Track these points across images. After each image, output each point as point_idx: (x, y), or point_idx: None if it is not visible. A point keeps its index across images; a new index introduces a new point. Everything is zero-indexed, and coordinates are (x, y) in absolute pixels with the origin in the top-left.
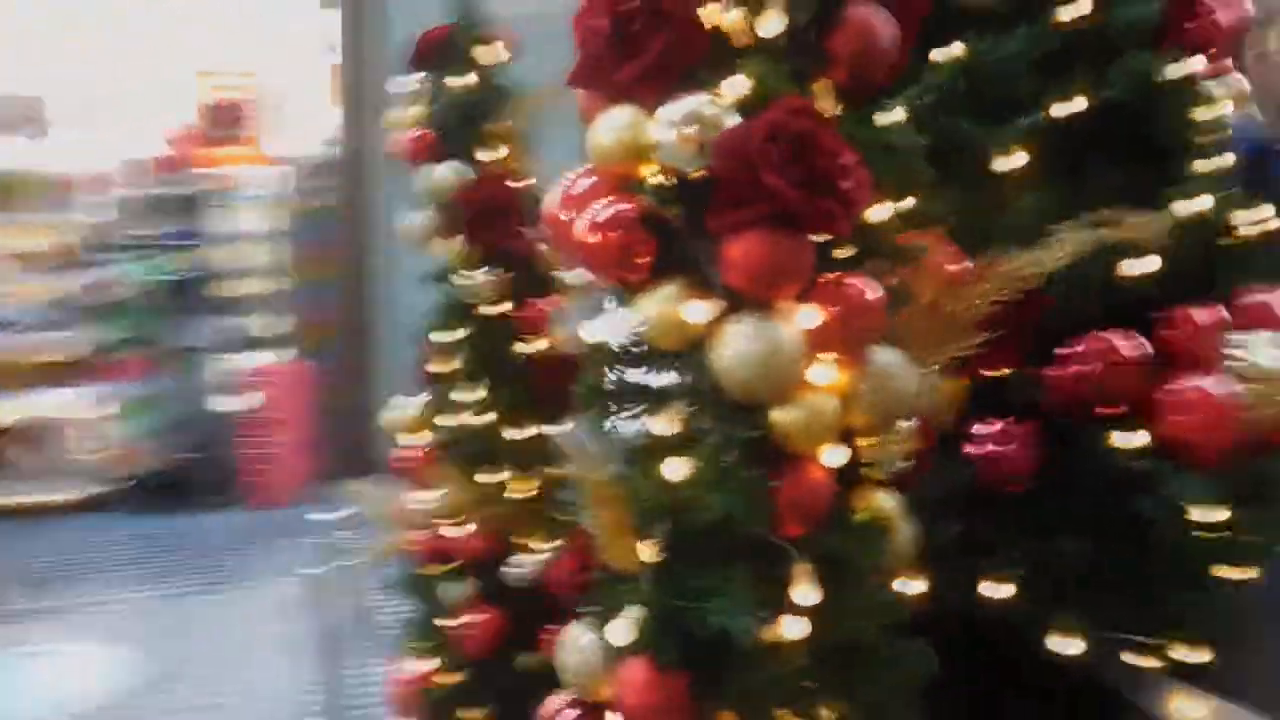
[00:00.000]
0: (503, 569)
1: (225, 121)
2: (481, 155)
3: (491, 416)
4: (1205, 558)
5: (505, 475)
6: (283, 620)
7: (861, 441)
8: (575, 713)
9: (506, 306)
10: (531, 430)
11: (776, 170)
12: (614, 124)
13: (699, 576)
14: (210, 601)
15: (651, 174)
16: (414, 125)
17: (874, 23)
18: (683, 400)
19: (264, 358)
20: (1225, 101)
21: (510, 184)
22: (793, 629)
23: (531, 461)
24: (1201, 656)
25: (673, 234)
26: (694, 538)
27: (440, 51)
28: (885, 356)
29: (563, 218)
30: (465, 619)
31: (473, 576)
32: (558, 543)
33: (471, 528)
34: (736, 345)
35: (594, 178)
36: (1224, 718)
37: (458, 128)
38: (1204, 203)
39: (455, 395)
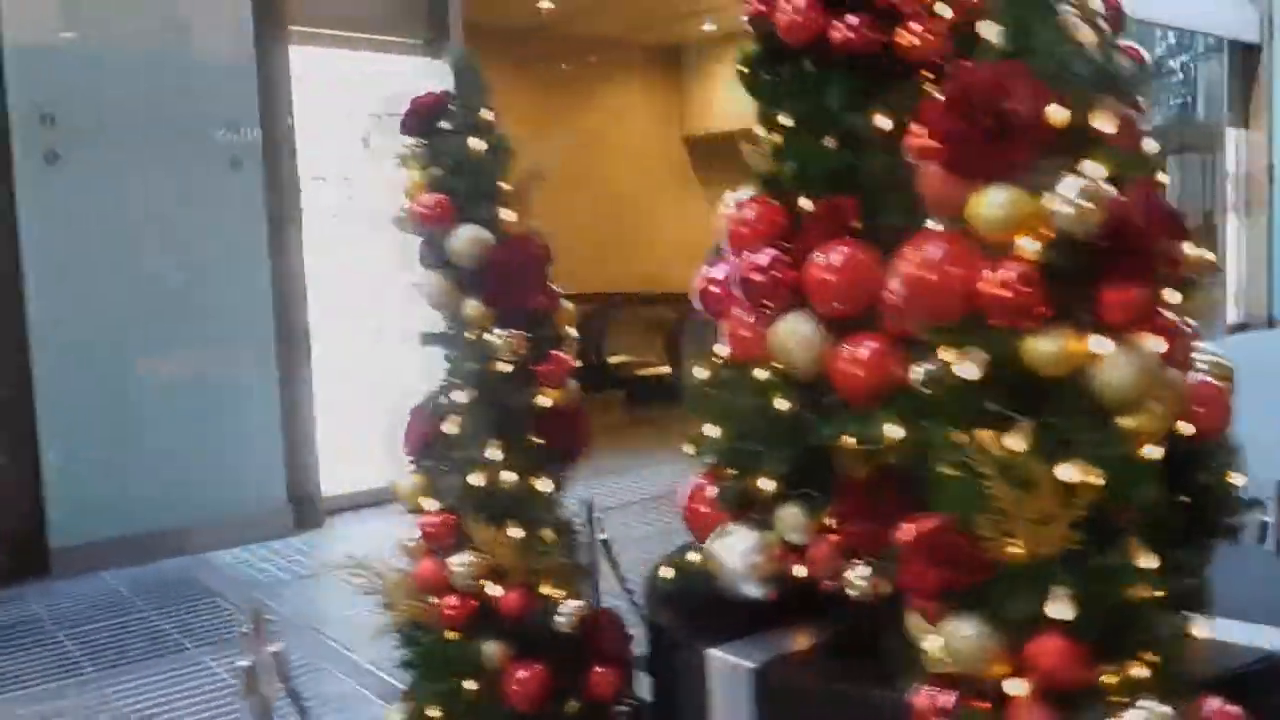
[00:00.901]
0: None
1: None
2: (503, 216)
3: (512, 473)
4: (1232, 511)
5: (531, 529)
6: None
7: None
8: (953, 695)
9: (523, 363)
10: (549, 483)
11: (1165, 234)
12: (997, 200)
13: (1105, 555)
14: None
15: (1036, 238)
16: (420, 189)
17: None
18: (1051, 414)
19: None
20: None
21: (534, 243)
22: (1159, 588)
23: (550, 513)
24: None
25: (1054, 284)
26: (1097, 525)
27: (434, 115)
28: (1171, 370)
29: (929, 278)
30: (514, 675)
31: (509, 633)
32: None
33: (506, 585)
34: (1122, 368)
35: (947, 244)
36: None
37: (470, 190)
38: None
39: (471, 454)
